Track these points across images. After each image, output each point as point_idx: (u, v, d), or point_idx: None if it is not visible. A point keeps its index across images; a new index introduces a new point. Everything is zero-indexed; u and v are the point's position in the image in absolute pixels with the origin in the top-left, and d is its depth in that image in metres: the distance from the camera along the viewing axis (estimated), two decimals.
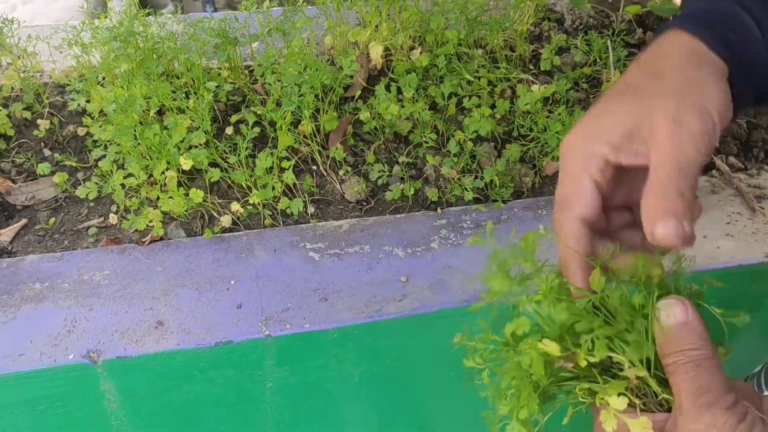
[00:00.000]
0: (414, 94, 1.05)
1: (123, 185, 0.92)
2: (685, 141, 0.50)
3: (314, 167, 1.01)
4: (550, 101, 1.10)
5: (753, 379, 0.87)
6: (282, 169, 0.97)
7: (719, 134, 0.52)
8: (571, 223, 0.54)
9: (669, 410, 0.51)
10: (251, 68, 1.13)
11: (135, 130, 0.90)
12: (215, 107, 1.04)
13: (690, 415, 0.47)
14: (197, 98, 0.97)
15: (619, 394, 0.50)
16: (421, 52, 1.11)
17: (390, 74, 1.10)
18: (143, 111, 0.93)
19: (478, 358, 0.59)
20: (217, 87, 1.03)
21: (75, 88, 1.03)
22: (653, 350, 0.51)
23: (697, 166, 0.50)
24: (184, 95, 0.98)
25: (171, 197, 0.89)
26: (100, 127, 0.97)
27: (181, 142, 0.93)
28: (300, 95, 0.96)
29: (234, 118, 1.02)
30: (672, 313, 0.51)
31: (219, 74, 1.08)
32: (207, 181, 0.94)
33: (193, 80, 1.02)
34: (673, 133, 0.50)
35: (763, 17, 0.56)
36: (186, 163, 0.91)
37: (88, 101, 1.02)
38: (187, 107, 0.96)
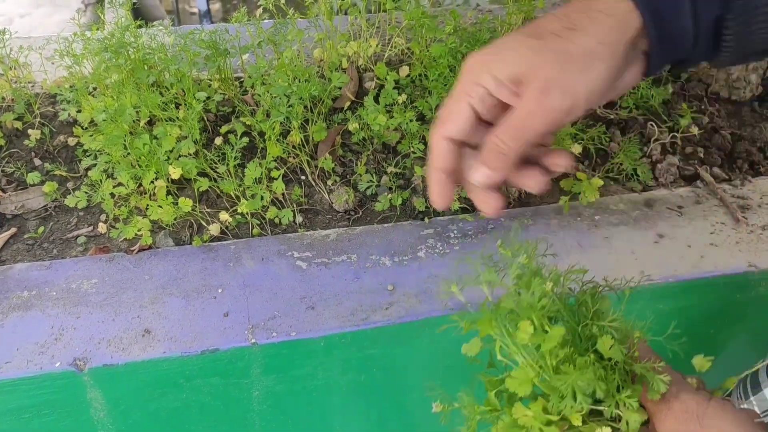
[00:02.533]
0: (401, 105, 1.06)
1: (112, 194, 0.93)
2: (538, 111, 0.53)
3: (303, 177, 1.02)
4: None
5: (739, 385, 0.88)
6: (271, 179, 0.98)
7: (581, 112, 0.54)
8: (438, 140, 0.57)
9: None
10: (241, 79, 1.14)
11: (125, 140, 0.91)
12: (205, 117, 1.04)
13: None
14: (187, 108, 0.97)
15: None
16: (410, 66, 1.13)
17: (377, 80, 1.11)
18: (133, 121, 0.94)
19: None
20: (207, 98, 1.04)
21: (66, 98, 1.03)
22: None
23: (534, 133, 0.54)
24: (174, 105, 0.99)
25: (160, 206, 0.89)
26: (91, 136, 0.98)
27: (171, 151, 0.94)
28: (289, 106, 0.97)
29: (224, 129, 1.03)
30: None
31: (209, 85, 1.09)
32: (196, 190, 0.95)
33: (183, 91, 1.03)
34: (535, 99, 0.53)
35: None
36: (175, 173, 0.92)
37: (78, 111, 1.03)
38: (177, 117, 0.97)
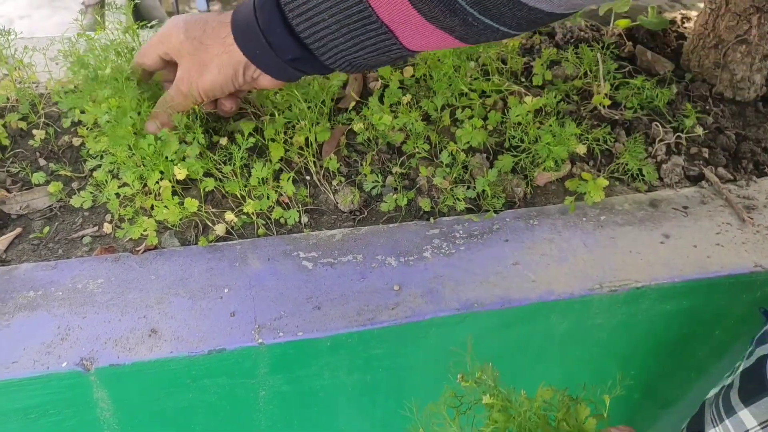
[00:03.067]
0: (406, 105, 1.06)
1: (117, 194, 0.93)
2: (175, 91, 0.90)
3: (308, 177, 1.02)
4: (542, 113, 1.11)
5: (711, 406, 0.87)
6: (276, 178, 0.98)
7: (204, 96, 0.90)
8: (137, 62, 0.94)
9: None
10: None
11: (129, 141, 0.91)
12: (207, 119, 1.04)
13: None
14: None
15: None
16: (414, 66, 1.13)
17: (381, 80, 1.11)
18: (135, 123, 0.93)
19: None
20: None
21: (67, 102, 1.03)
22: None
23: (176, 104, 0.91)
24: None
25: (166, 207, 0.89)
26: (95, 138, 0.97)
27: (175, 152, 0.94)
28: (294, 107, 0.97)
29: (228, 129, 1.03)
30: None
31: None
32: (202, 190, 0.94)
33: None
34: (176, 83, 0.90)
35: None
36: (180, 173, 0.92)
37: (83, 112, 1.03)
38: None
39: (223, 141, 1.00)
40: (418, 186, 1.02)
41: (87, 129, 1.01)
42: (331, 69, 0.78)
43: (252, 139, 0.96)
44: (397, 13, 0.66)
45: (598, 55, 1.17)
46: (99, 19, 1.16)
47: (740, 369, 0.85)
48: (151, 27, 1.16)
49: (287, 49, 0.76)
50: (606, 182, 1.01)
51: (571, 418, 0.64)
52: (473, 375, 0.68)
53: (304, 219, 0.96)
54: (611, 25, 1.35)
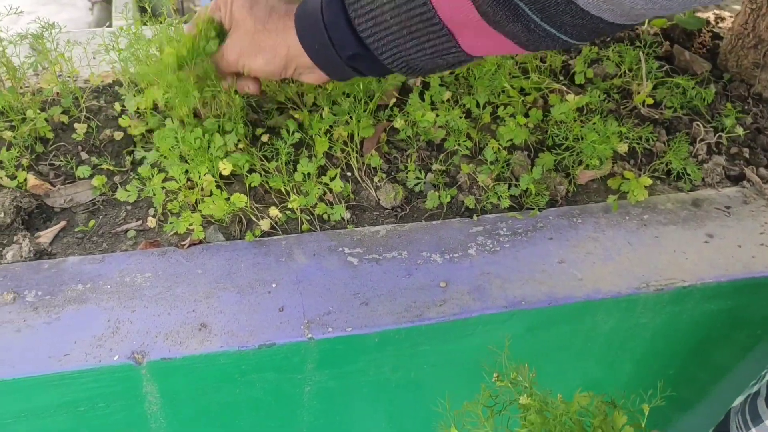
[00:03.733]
0: (447, 102, 1.06)
1: (163, 188, 0.92)
2: (223, 56, 0.89)
3: (349, 174, 1.01)
4: (585, 111, 1.11)
5: (737, 414, 0.86)
6: (320, 174, 0.97)
7: (250, 72, 0.88)
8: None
9: None
10: None
11: (177, 134, 0.91)
12: (248, 111, 1.04)
13: None
14: (230, 102, 0.97)
15: None
16: None
17: (421, 77, 1.11)
18: (185, 115, 0.93)
19: None
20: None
21: (123, 93, 1.02)
22: None
23: (224, 67, 0.90)
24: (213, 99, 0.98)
25: (214, 201, 0.89)
26: (143, 137, 0.97)
27: (220, 147, 0.93)
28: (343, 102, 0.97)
29: (268, 123, 1.03)
30: None
31: None
32: (247, 186, 0.94)
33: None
34: (225, 49, 0.88)
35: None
36: (225, 168, 0.92)
37: (123, 108, 1.03)
38: (222, 114, 0.96)
39: (265, 137, 1.00)
40: (458, 183, 1.01)
41: (131, 117, 1.01)
42: (388, 70, 0.78)
43: (297, 135, 0.96)
44: (460, 16, 0.66)
45: (641, 54, 1.16)
46: (107, 14, 1.16)
47: (766, 377, 0.84)
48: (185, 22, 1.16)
49: (347, 46, 0.75)
50: (649, 181, 1.00)
51: (607, 425, 0.64)
52: (508, 375, 0.68)
53: (347, 215, 0.96)
54: (647, 24, 1.34)
